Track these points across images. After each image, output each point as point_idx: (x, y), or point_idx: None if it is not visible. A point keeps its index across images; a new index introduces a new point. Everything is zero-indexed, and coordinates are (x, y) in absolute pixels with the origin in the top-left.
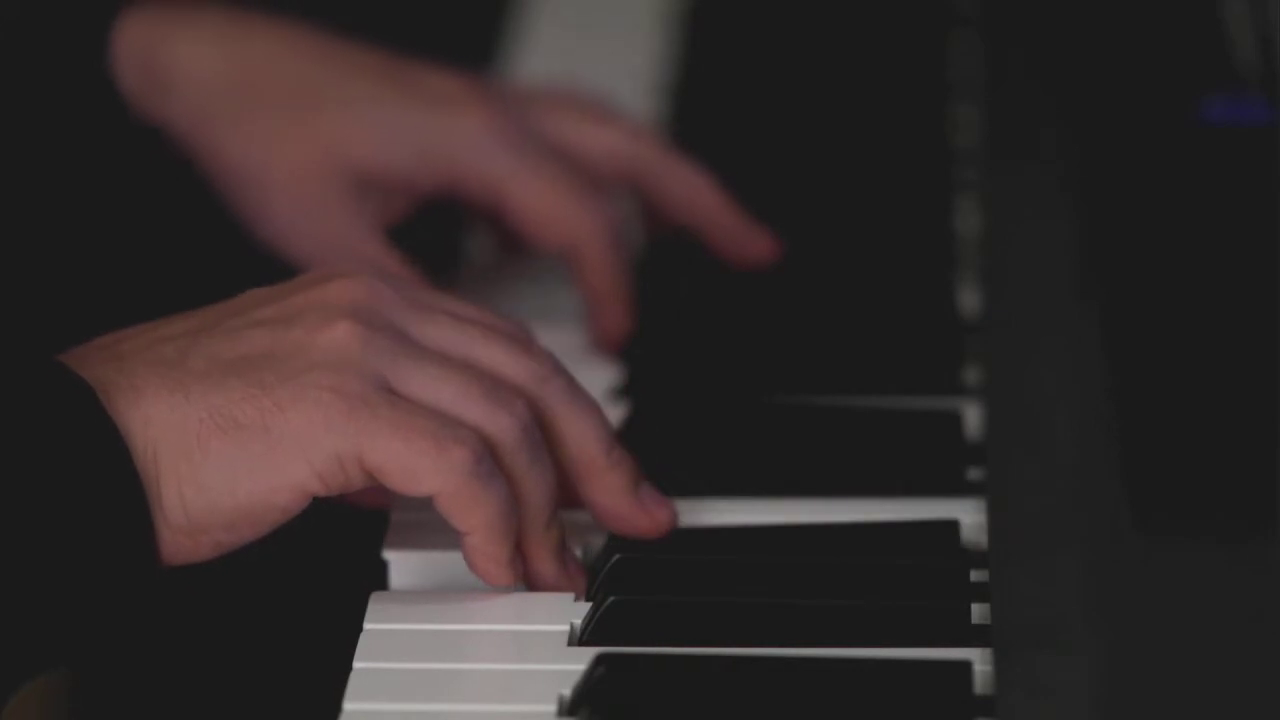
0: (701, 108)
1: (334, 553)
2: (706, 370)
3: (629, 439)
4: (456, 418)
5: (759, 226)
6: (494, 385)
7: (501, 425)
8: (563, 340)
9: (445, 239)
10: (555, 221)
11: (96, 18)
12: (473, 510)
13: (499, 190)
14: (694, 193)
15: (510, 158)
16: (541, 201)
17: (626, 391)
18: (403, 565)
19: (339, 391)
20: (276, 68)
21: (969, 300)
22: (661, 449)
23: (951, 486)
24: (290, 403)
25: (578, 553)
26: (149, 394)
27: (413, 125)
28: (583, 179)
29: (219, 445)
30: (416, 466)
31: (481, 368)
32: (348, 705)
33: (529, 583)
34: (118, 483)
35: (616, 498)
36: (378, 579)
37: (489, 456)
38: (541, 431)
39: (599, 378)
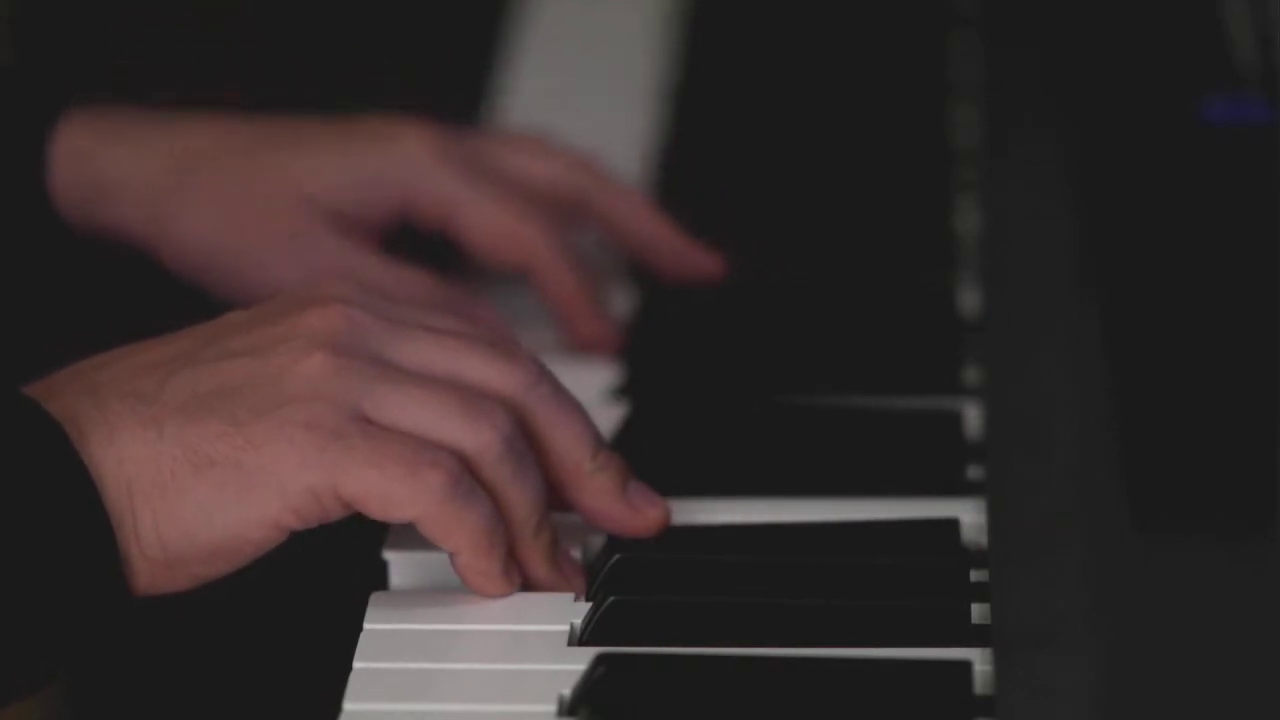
0: (702, 109)
1: (334, 553)
2: (706, 370)
3: (628, 439)
4: (436, 437)
5: (702, 246)
6: (473, 399)
7: (483, 439)
8: (561, 341)
9: (442, 241)
10: (506, 239)
11: (31, 135)
12: (455, 531)
13: (449, 210)
14: (635, 217)
15: (457, 178)
16: (492, 221)
17: (626, 391)
18: (403, 565)
19: (312, 426)
20: (215, 150)
21: (969, 300)
22: (661, 449)
23: (951, 486)
24: (264, 439)
25: (576, 553)
26: (123, 431)
27: (357, 158)
28: (528, 200)
29: (193, 482)
30: (393, 494)
31: (462, 381)
32: (348, 705)
33: (525, 588)
34: (86, 523)
35: (605, 500)
36: (378, 579)
37: (467, 476)
38: (526, 439)
39: (597, 378)
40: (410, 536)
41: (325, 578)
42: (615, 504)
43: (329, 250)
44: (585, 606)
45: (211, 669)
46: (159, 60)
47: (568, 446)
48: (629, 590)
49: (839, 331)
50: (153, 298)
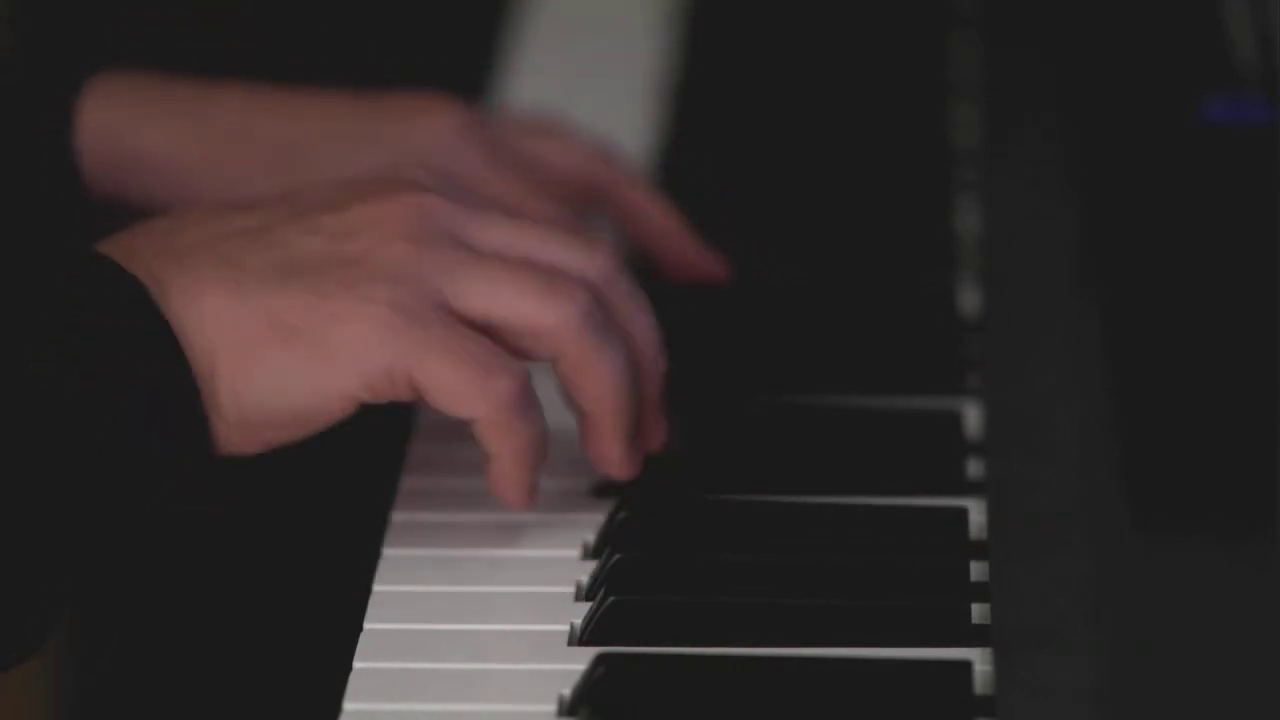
0: (702, 108)
1: (334, 553)
2: (705, 370)
3: None
4: (516, 315)
5: (710, 250)
6: (552, 277)
7: (562, 312)
8: None
9: None
10: None
11: (59, 103)
12: (507, 439)
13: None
14: (649, 214)
15: (478, 159)
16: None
17: None
18: (402, 565)
19: (395, 306)
20: (248, 131)
21: (969, 300)
22: (660, 449)
23: (952, 486)
24: (347, 314)
25: (574, 553)
26: (207, 294)
27: (382, 138)
28: (545, 190)
29: (274, 349)
30: (460, 390)
31: (540, 262)
32: (348, 705)
33: (596, 464)
34: (173, 378)
35: (654, 398)
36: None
37: (532, 391)
38: (607, 316)
39: None
40: (410, 536)
41: (325, 578)
42: (659, 409)
43: None
44: (586, 606)
45: (212, 669)
46: (159, 60)
47: (643, 338)
48: (629, 590)
49: (839, 331)
50: None
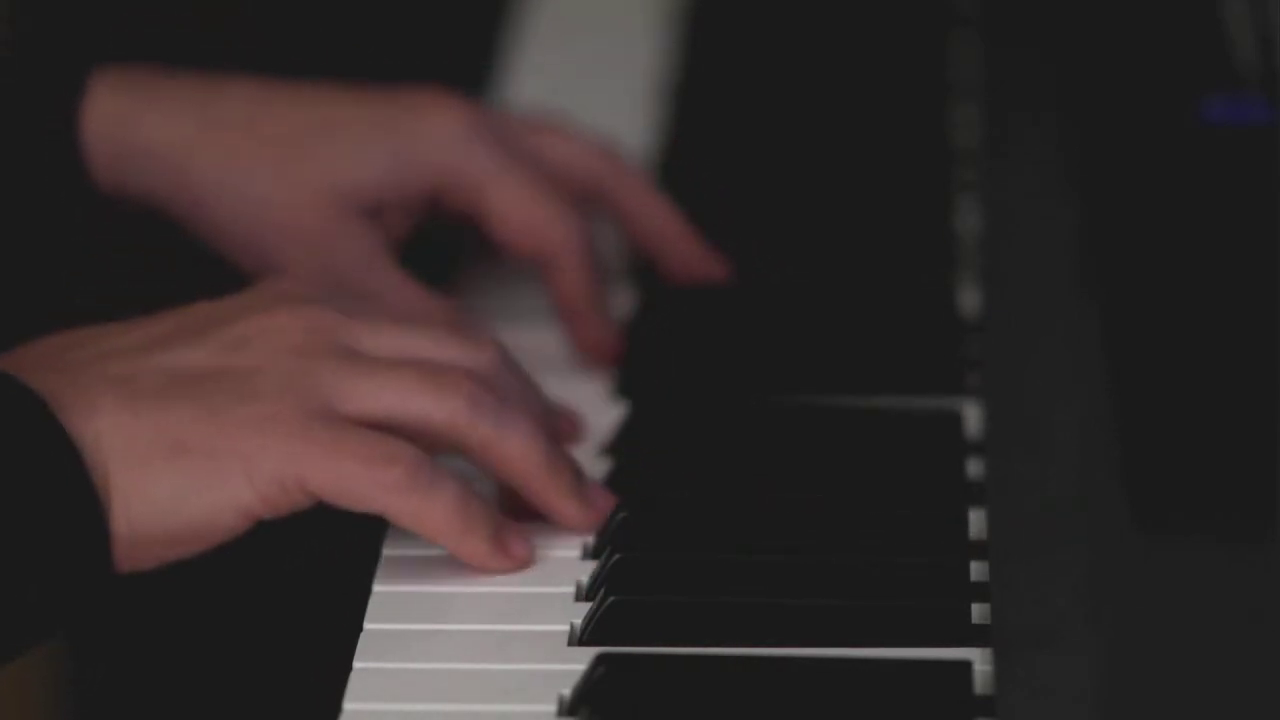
0: (702, 108)
1: (333, 552)
2: (706, 370)
3: (628, 439)
4: (403, 417)
5: (713, 253)
6: (435, 371)
7: (449, 406)
8: (564, 342)
9: (442, 241)
10: (533, 226)
11: (65, 96)
12: (424, 520)
13: (479, 190)
14: (652, 214)
15: (489, 157)
16: (519, 205)
17: (625, 391)
18: (402, 565)
19: (280, 418)
20: (252, 123)
21: (969, 300)
22: (660, 450)
23: (951, 485)
24: (235, 428)
25: (574, 554)
26: (101, 410)
27: (391, 132)
28: (556, 187)
29: (165, 465)
30: (354, 488)
31: (425, 360)
32: (348, 705)
33: (561, 525)
34: (74, 493)
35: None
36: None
37: (428, 465)
38: (499, 394)
39: (597, 378)
40: (410, 536)
41: (325, 577)
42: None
43: (348, 253)
44: (586, 606)
45: (212, 669)
46: (159, 58)
47: (535, 423)
48: (629, 590)
49: (839, 331)
50: (182, 263)
